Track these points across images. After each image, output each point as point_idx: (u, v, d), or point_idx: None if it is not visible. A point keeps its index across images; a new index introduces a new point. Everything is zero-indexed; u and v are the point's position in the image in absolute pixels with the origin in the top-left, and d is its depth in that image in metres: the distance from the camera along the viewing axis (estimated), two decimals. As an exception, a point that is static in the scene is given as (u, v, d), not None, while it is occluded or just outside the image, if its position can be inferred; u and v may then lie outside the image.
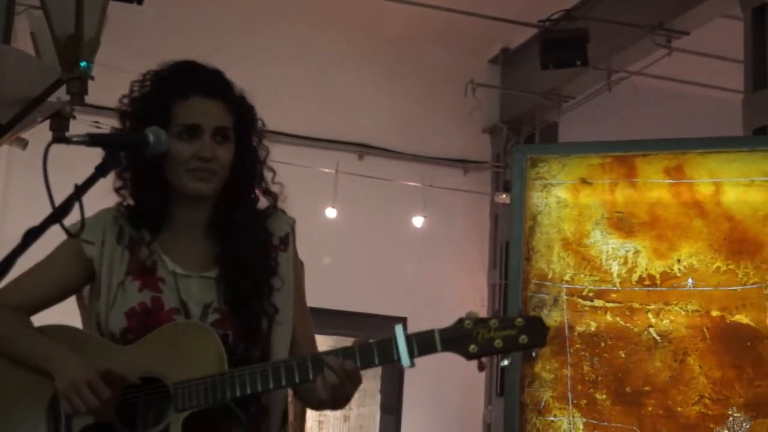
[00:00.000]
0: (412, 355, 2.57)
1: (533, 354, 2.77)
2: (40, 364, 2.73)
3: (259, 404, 2.80)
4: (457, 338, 2.56)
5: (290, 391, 2.84)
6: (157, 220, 2.88)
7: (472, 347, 2.55)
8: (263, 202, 2.97)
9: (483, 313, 9.69)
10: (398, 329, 2.57)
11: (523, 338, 2.52)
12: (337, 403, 2.68)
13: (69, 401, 2.64)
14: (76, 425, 2.69)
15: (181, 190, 2.83)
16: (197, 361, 2.63)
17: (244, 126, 2.90)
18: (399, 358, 2.58)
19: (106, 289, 2.83)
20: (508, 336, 2.53)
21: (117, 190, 2.87)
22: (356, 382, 2.63)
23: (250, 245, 2.85)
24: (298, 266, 2.96)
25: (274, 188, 2.98)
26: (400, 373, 9.41)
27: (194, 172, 2.79)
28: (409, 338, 2.57)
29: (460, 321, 2.57)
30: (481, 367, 2.67)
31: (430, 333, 2.58)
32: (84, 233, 2.84)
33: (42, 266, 2.93)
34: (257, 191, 2.94)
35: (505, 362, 2.64)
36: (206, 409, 2.59)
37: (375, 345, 2.60)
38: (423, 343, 2.57)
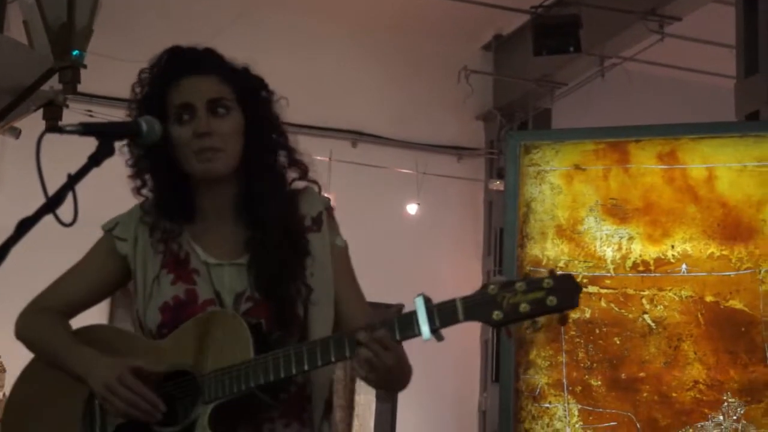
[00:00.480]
0: (433, 327, 2.37)
1: (564, 318, 2.31)
2: (73, 369, 2.71)
3: (299, 393, 2.70)
4: (481, 305, 2.32)
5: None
6: (186, 212, 2.79)
7: (496, 314, 2.30)
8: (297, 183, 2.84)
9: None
10: (419, 301, 2.39)
11: (552, 299, 2.23)
12: (384, 379, 2.48)
13: (107, 402, 2.61)
14: (110, 425, 2.68)
15: (196, 176, 2.74)
16: (226, 351, 2.56)
17: (249, 95, 2.75)
18: (420, 331, 2.39)
19: (141, 286, 2.79)
20: (536, 299, 2.25)
21: (137, 190, 2.80)
22: (393, 351, 2.42)
23: (277, 226, 2.70)
24: (339, 247, 2.78)
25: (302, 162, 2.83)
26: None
27: (199, 153, 2.68)
28: (430, 309, 2.37)
29: (485, 287, 2.34)
30: (508, 333, 2.41)
31: (452, 302, 2.36)
32: (117, 230, 2.86)
33: (78, 267, 2.91)
34: (284, 164, 2.79)
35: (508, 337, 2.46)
36: (234, 399, 2.52)
37: (396, 319, 2.43)
38: (444, 314, 2.36)
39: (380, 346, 2.40)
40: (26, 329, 2.90)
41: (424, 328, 2.37)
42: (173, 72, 2.75)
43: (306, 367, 2.48)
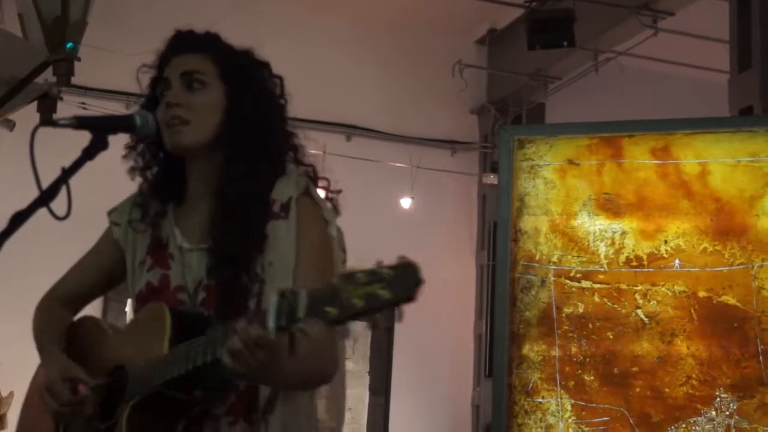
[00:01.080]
0: (279, 324, 2.05)
1: (396, 314, 1.92)
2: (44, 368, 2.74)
3: (248, 390, 2.57)
4: (322, 300, 1.96)
5: None
6: (173, 193, 2.75)
7: (331, 310, 1.94)
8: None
9: (470, 295, 9.73)
10: (272, 296, 2.09)
11: (385, 292, 1.88)
12: (249, 374, 2.28)
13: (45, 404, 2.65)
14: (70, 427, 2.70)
15: (168, 150, 2.68)
16: (150, 346, 2.48)
17: (234, 73, 2.68)
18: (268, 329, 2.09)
19: (130, 271, 2.77)
20: (371, 292, 1.90)
21: (132, 170, 2.77)
22: (268, 350, 2.19)
23: (237, 211, 2.58)
24: (309, 232, 2.59)
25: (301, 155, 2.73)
26: (388, 354, 9.42)
27: (168, 126, 2.62)
28: (280, 303, 2.05)
29: (334, 279, 1.99)
30: (372, 327, 1.99)
31: (296, 296, 2.03)
32: (113, 215, 2.86)
33: (86, 255, 2.91)
34: (275, 148, 2.68)
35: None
36: (149, 396, 2.44)
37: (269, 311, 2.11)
38: (288, 309, 2.03)
39: (253, 341, 2.18)
40: (32, 322, 2.89)
41: (271, 323, 2.07)
42: (168, 53, 2.73)
43: (198, 363, 2.32)
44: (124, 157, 2.77)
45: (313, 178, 2.73)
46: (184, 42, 2.73)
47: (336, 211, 2.73)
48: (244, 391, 2.57)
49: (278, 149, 2.70)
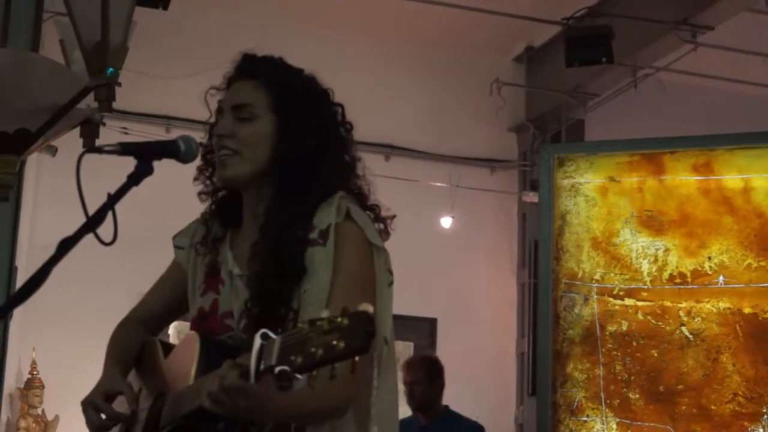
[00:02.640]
0: (257, 369, 2.02)
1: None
2: None
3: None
4: (291, 348, 1.92)
5: None
6: (233, 216, 2.75)
7: (296, 359, 1.90)
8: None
9: (512, 313, 9.69)
10: (256, 340, 2.03)
11: (340, 344, 1.84)
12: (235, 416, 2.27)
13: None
14: None
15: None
16: (184, 375, 2.49)
17: (288, 104, 2.65)
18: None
19: (190, 295, 2.78)
20: (328, 343, 1.85)
21: (201, 194, 2.78)
22: (246, 397, 2.15)
23: (275, 239, 2.55)
24: (347, 258, 2.53)
25: (361, 182, 2.69)
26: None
27: (219, 156, 2.64)
28: (262, 347, 2.01)
29: (303, 322, 1.94)
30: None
31: (273, 343, 1.98)
32: (176, 239, 2.87)
33: (161, 276, 2.93)
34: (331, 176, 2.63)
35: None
36: (178, 426, 2.44)
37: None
38: (267, 355, 1.99)
39: (230, 388, 2.15)
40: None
41: (252, 369, 2.03)
42: (229, 78, 2.74)
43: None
44: (195, 179, 2.78)
45: (362, 201, 2.68)
46: (243, 67, 2.72)
47: (386, 233, 2.69)
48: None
49: (327, 181, 2.64)
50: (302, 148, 2.63)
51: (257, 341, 2.02)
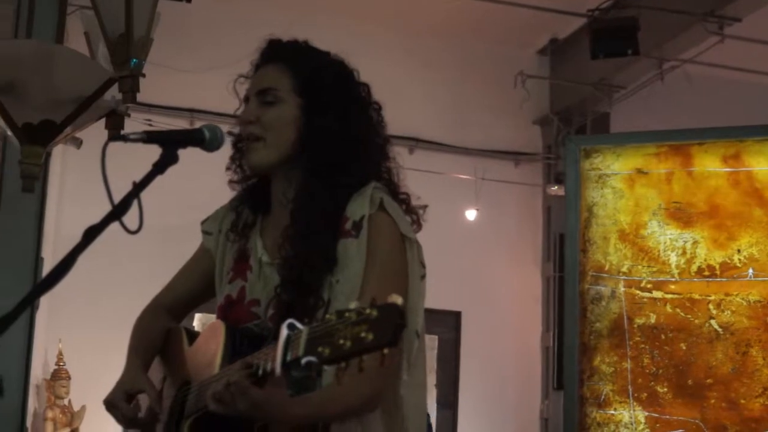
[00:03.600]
0: (284, 363, 2.00)
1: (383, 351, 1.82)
2: None
3: None
4: (319, 339, 1.90)
5: None
6: (263, 203, 2.73)
7: (324, 350, 1.88)
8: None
9: (536, 306, 9.66)
10: (282, 329, 2.02)
11: (369, 336, 1.82)
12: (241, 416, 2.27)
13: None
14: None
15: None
16: (208, 364, 2.48)
17: (313, 87, 2.62)
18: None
19: (218, 282, 2.77)
20: (357, 335, 1.83)
21: (232, 182, 2.77)
22: (247, 397, 2.18)
23: (307, 228, 2.54)
24: (380, 250, 2.51)
25: (391, 164, 2.67)
26: (455, 367, 9.39)
27: (245, 142, 2.63)
28: (288, 338, 2.00)
29: (330, 313, 1.93)
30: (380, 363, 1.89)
31: (300, 334, 1.97)
32: (205, 224, 2.86)
33: (187, 262, 2.92)
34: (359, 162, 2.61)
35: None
36: (205, 415, 2.40)
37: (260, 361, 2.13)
38: (293, 346, 1.98)
39: (234, 389, 2.18)
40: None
41: (278, 360, 2.01)
42: (255, 65, 2.73)
43: None
44: (227, 168, 2.76)
45: (394, 191, 2.65)
46: (268, 52, 2.71)
47: (418, 224, 2.66)
48: None
49: (357, 165, 2.62)
50: (328, 131, 2.60)
51: (284, 331, 2.01)
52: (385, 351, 1.83)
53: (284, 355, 2.00)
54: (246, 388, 2.14)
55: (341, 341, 1.85)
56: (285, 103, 2.63)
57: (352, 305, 1.88)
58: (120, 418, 2.61)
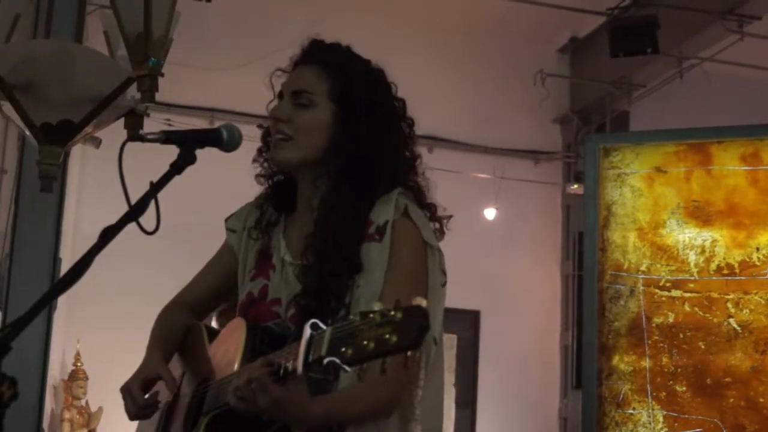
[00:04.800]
0: (306, 362, 2.01)
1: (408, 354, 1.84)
2: None
3: None
4: (342, 339, 1.91)
5: None
6: (288, 202, 2.74)
7: (347, 350, 1.89)
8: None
9: (555, 305, 9.65)
10: (305, 330, 2.03)
11: (392, 337, 1.82)
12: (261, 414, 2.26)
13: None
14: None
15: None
16: (229, 361, 2.49)
17: (348, 93, 2.63)
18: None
19: (240, 279, 2.77)
20: (380, 336, 1.84)
21: (258, 177, 2.78)
22: (268, 394, 2.17)
23: (331, 232, 2.54)
24: (402, 255, 2.52)
25: (419, 178, 2.66)
26: (474, 366, 9.38)
27: (274, 140, 2.64)
28: (311, 338, 2.01)
29: (354, 314, 1.94)
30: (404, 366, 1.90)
31: (323, 334, 1.98)
32: (229, 221, 2.86)
33: (209, 261, 2.92)
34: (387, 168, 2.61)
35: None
36: (224, 412, 2.41)
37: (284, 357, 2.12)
38: (316, 346, 1.99)
39: (255, 385, 2.17)
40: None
41: (301, 359, 2.03)
42: (295, 62, 2.73)
43: None
44: (254, 162, 2.78)
45: (419, 198, 2.65)
46: (308, 52, 2.71)
47: (441, 233, 2.67)
48: None
49: (385, 173, 2.62)
50: (359, 141, 2.60)
51: (307, 331, 2.01)
52: (409, 354, 1.83)
53: (306, 354, 2.00)
54: (267, 385, 2.13)
55: (365, 342, 1.85)
56: (318, 107, 2.63)
57: (376, 306, 1.88)
58: (131, 405, 2.62)
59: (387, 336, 1.83)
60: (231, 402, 2.23)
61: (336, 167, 2.60)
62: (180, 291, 2.95)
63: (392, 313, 1.84)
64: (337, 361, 1.89)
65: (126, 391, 2.63)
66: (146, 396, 2.63)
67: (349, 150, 2.60)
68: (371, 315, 1.87)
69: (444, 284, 2.61)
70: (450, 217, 2.72)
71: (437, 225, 2.68)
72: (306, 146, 2.62)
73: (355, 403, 2.40)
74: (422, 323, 1.82)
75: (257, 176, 2.79)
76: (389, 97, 2.72)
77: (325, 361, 1.92)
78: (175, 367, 2.79)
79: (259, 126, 2.71)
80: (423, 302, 1.84)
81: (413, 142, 2.74)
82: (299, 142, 2.62)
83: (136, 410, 2.62)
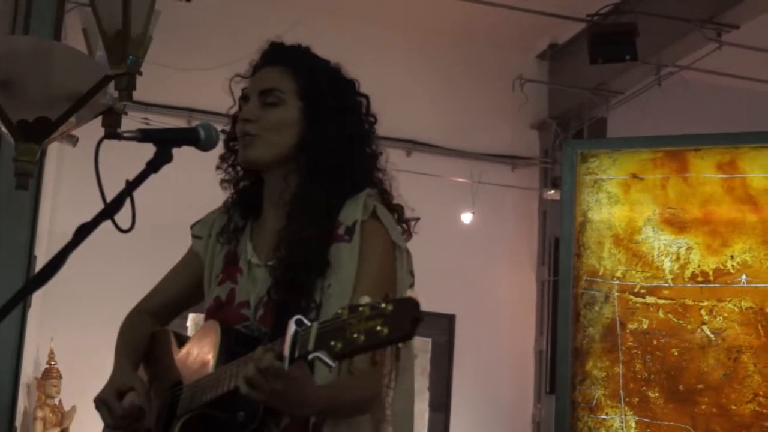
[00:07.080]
0: (292, 354, 2.02)
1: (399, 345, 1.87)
2: None
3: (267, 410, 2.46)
4: (330, 333, 1.91)
5: None
6: (253, 207, 2.76)
7: (336, 344, 1.89)
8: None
9: (531, 310, 9.66)
10: (290, 324, 2.04)
11: (384, 330, 1.82)
12: (269, 402, 2.27)
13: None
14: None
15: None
16: (203, 364, 2.50)
17: (314, 92, 2.66)
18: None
19: (206, 285, 2.78)
20: (371, 329, 1.83)
21: (223, 182, 2.79)
22: (284, 380, 2.16)
23: (300, 233, 2.56)
24: (371, 256, 2.55)
25: (383, 176, 2.70)
26: (448, 370, 9.38)
27: (240, 140, 2.65)
28: (296, 333, 2.02)
29: (342, 308, 1.93)
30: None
31: (308, 329, 1.98)
32: (195, 228, 2.88)
33: (174, 267, 2.93)
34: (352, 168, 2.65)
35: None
36: (197, 415, 2.43)
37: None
38: (302, 341, 1.99)
39: (266, 371, 2.16)
40: (118, 333, 2.90)
41: (286, 354, 2.04)
42: (254, 66, 2.76)
43: (230, 387, 2.31)
44: (218, 167, 2.79)
45: (387, 200, 2.68)
46: (271, 54, 2.74)
47: (408, 234, 2.70)
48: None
49: (352, 172, 2.66)
50: (328, 137, 2.63)
51: (291, 327, 2.02)
52: (400, 346, 1.87)
53: (292, 350, 2.01)
54: (282, 368, 2.09)
55: (355, 335, 1.85)
56: (287, 105, 2.66)
57: (364, 300, 1.88)
58: (107, 417, 2.61)
59: (378, 328, 1.83)
60: (243, 391, 2.21)
61: (305, 163, 2.63)
62: (143, 298, 2.95)
63: (383, 305, 1.84)
64: (326, 354, 1.90)
65: (101, 402, 2.62)
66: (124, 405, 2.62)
67: (318, 147, 2.62)
68: (360, 308, 1.87)
69: (412, 285, 2.62)
70: (418, 219, 2.74)
71: (404, 227, 2.70)
72: (275, 144, 2.65)
73: (348, 392, 2.41)
74: (415, 315, 1.83)
75: (222, 181, 2.80)
76: (354, 94, 2.75)
77: (311, 356, 1.93)
78: (142, 374, 2.79)
79: (223, 131, 2.70)
80: (415, 294, 1.84)
81: (375, 139, 2.76)
82: (270, 140, 2.64)
83: (115, 421, 2.61)
